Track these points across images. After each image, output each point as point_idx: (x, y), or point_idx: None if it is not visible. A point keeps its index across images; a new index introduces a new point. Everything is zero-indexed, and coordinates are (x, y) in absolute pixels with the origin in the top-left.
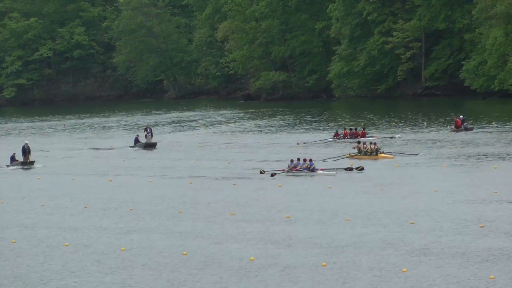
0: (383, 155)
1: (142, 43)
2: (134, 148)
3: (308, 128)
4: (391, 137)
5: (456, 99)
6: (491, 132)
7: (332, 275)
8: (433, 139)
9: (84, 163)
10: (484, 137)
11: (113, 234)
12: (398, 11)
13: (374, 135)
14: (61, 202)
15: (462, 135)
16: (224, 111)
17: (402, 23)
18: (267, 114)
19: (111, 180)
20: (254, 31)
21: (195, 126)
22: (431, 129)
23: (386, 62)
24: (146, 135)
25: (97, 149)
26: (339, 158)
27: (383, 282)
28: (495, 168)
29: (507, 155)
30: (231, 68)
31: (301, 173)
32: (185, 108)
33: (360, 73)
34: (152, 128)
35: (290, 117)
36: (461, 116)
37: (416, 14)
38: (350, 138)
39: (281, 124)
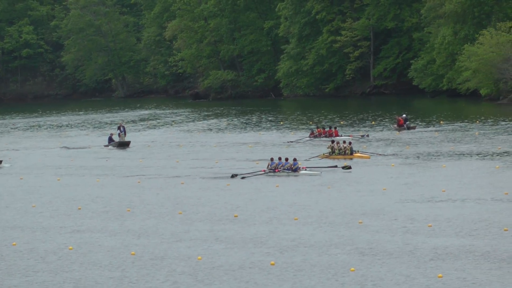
0: (358, 154)
1: (90, 42)
2: (108, 147)
3: (259, 128)
4: (362, 136)
5: (404, 98)
6: (439, 131)
7: (280, 274)
8: (380, 139)
9: (48, 163)
10: (433, 136)
11: (62, 233)
12: (346, 10)
13: (348, 134)
14: (10, 202)
15: (406, 134)
16: (176, 110)
17: (351, 22)
18: (216, 113)
19: (59, 179)
20: (203, 30)
21: (145, 126)
22: (379, 128)
23: (334, 61)
24: (119, 134)
25: (70, 148)
26: (312, 158)
27: (331, 281)
28: (444, 166)
29: (456, 153)
30: (179, 67)
31: (282, 174)
32: (136, 106)
33: (308, 72)
34: (125, 126)
35: (241, 116)
36: (404, 115)
37: (365, 13)
38: (325, 137)
39: (230, 124)
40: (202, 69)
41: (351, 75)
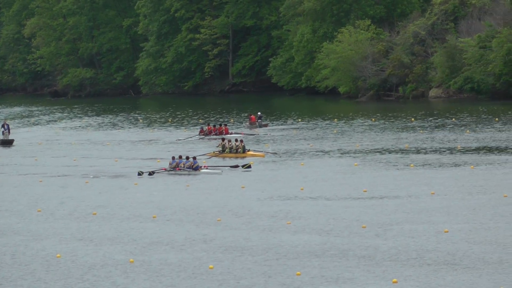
0: (251, 152)
1: None
2: None
3: (117, 126)
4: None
5: (263, 96)
6: (298, 128)
7: (140, 272)
8: (239, 137)
9: None
10: (291, 134)
11: None
12: (206, 8)
13: (240, 131)
14: None
15: (264, 131)
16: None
17: (210, 19)
18: (75, 111)
19: None
20: (62, 28)
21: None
22: (234, 126)
23: (193, 59)
24: (3, 132)
25: None
26: (203, 156)
27: (190, 278)
28: (302, 164)
29: (314, 151)
30: (38, 64)
31: (183, 172)
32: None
33: (167, 70)
34: (9, 124)
35: (99, 114)
36: (258, 113)
37: (224, 11)
38: (215, 134)
39: (88, 121)
40: (61, 66)
41: (210, 73)
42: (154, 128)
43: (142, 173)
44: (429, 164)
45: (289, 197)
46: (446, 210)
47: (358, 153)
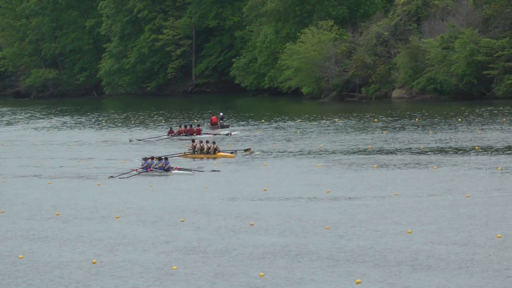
0: (221, 154)
1: None
2: None
3: (80, 126)
4: (227, 134)
5: (226, 97)
6: (261, 129)
7: (103, 273)
8: (210, 138)
9: None
10: (254, 135)
11: None
12: (168, 9)
13: (210, 132)
14: None
15: (221, 132)
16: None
17: (173, 20)
18: (38, 111)
19: None
20: (25, 29)
21: None
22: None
23: (156, 60)
24: None
25: None
26: (173, 156)
27: (153, 279)
28: (265, 165)
29: (277, 152)
30: (1, 65)
31: (154, 173)
32: None
33: (130, 71)
34: None
35: (63, 115)
36: (221, 114)
37: (187, 11)
38: (185, 135)
39: (51, 122)
40: (24, 67)
41: (173, 74)
42: (117, 129)
43: (113, 177)
44: (392, 165)
45: (252, 198)
46: (410, 210)
47: (321, 154)
